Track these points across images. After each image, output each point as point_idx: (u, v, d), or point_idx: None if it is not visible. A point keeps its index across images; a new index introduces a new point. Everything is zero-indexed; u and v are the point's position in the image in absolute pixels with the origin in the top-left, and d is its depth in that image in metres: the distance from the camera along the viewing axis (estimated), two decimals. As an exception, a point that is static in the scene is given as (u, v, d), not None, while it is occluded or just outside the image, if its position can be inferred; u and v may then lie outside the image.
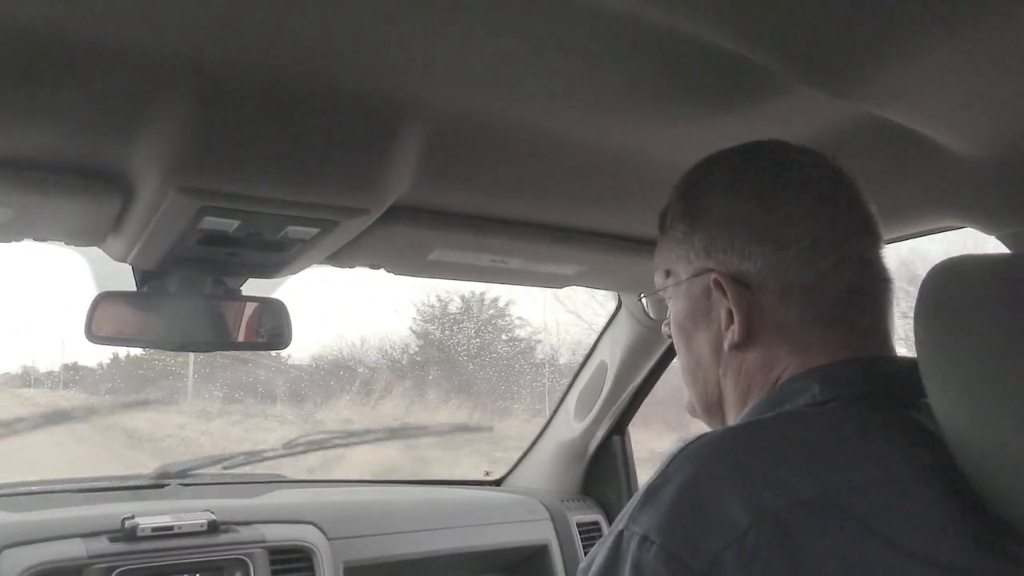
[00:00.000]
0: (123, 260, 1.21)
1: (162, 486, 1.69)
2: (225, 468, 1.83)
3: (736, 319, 0.73)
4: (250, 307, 1.33)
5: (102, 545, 1.36)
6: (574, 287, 1.62)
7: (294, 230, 1.05)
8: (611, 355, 1.86)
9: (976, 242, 1.17)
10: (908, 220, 1.16)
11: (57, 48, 0.74)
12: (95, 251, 1.22)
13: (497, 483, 2.14)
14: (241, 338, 1.34)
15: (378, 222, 1.09)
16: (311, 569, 1.51)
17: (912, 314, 0.67)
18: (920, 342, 0.66)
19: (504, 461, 2.17)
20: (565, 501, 1.94)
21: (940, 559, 0.58)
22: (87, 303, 1.22)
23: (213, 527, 1.45)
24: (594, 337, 1.93)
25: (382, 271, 1.38)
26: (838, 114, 0.91)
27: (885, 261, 0.76)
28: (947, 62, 0.68)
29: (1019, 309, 0.61)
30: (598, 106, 0.91)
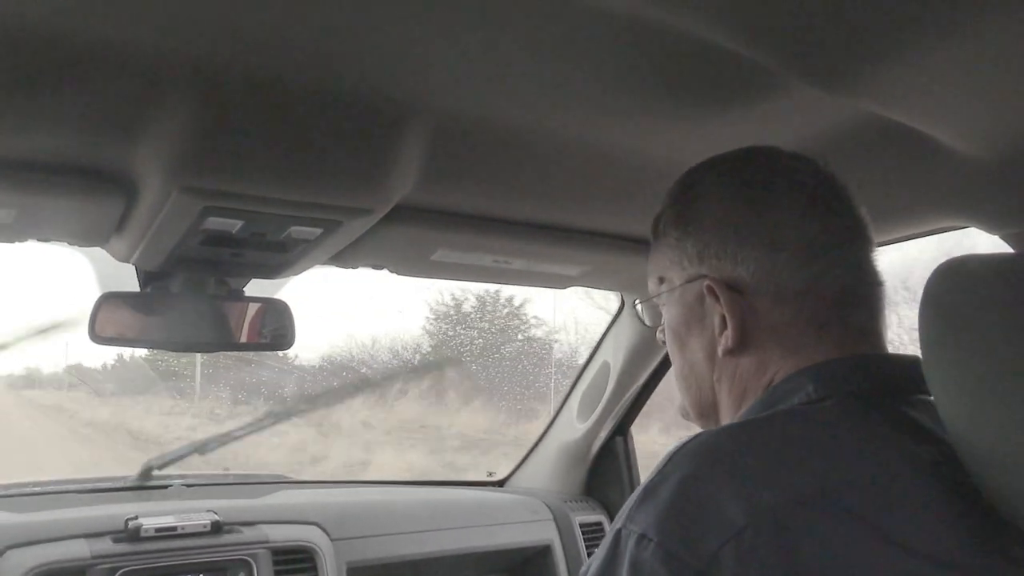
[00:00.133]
0: (126, 261, 1.21)
1: (165, 487, 1.69)
2: (202, 455, 1.83)
3: (730, 325, 0.74)
4: (253, 308, 1.34)
5: (106, 546, 1.37)
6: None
7: (297, 230, 1.05)
8: (614, 356, 1.86)
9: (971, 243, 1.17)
10: (911, 220, 1.16)
11: (61, 50, 0.74)
12: (99, 252, 1.22)
13: (500, 483, 2.14)
14: (244, 339, 1.34)
15: (381, 222, 1.09)
16: (314, 570, 1.51)
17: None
18: (924, 341, 0.66)
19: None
20: (568, 502, 1.94)
21: (938, 556, 0.57)
22: (91, 304, 1.23)
23: (217, 528, 1.45)
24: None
25: (385, 271, 1.38)
26: (840, 114, 0.91)
27: (877, 265, 0.76)
28: (949, 61, 0.68)
29: (1022, 308, 0.61)
30: (600, 106, 0.91)
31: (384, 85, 0.86)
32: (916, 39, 0.65)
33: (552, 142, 1.01)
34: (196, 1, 0.68)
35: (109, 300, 1.24)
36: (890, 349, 0.75)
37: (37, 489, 1.64)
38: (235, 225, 1.02)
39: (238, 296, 1.32)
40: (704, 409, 0.81)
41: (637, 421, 1.97)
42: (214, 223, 1.01)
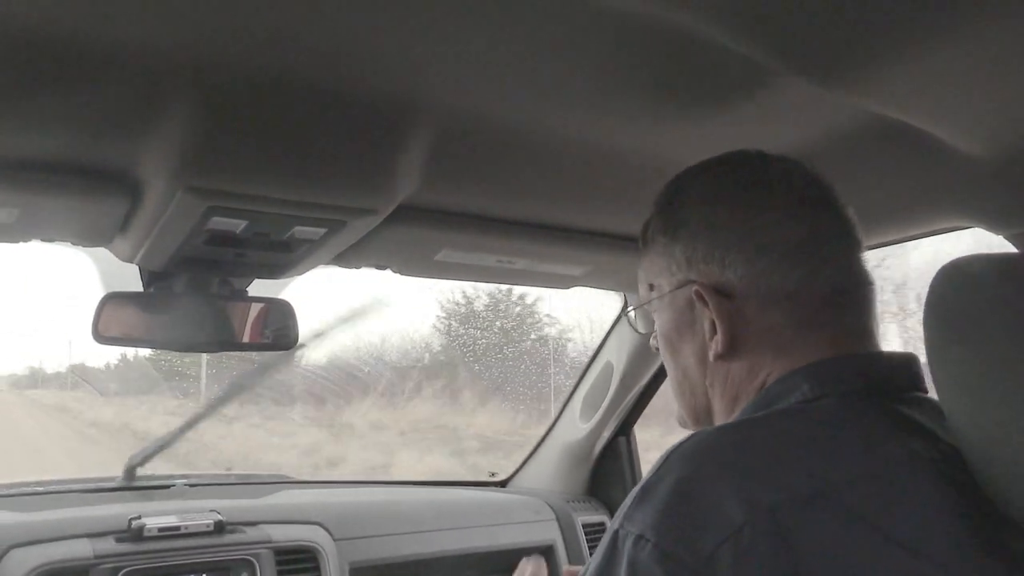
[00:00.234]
0: (130, 261, 1.21)
1: (168, 486, 1.70)
2: (168, 447, 1.82)
3: (719, 329, 0.74)
4: (256, 308, 1.34)
5: (109, 545, 1.37)
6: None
7: (301, 230, 1.06)
8: (617, 356, 1.86)
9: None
10: (914, 220, 1.16)
11: (64, 50, 0.74)
12: (102, 252, 1.22)
13: (502, 484, 2.14)
14: (247, 339, 1.34)
15: (385, 223, 1.09)
16: (317, 569, 1.52)
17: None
18: (929, 341, 0.66)
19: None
20: (571, 502, 1.94)
21: (938, 554, 0.57)
22: (94, 304, 1.23)
23: (219, 527, 1.45)
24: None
25: (389, 272, 1.38)
26: (842, 113, 0.91)
27: (867, 266, 0.76)
28: (950, 58, 0.68)
29: None
30: (601, 104, 0.91)
31: (388, 85, 0.86)
32: (917, 37, 0.65)
33: (554, 141, 1.01)
34: (200, 1, 0.68)
35: (112, 300, 1.24)
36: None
37: (40, 489, 1.64)
38: (239, 225, 1.02)
39: (241, 296, 1.32)
40: (699, 415, 0.81)
41: (640, 420, 1.98)
42: (218, 223, 1.01)
